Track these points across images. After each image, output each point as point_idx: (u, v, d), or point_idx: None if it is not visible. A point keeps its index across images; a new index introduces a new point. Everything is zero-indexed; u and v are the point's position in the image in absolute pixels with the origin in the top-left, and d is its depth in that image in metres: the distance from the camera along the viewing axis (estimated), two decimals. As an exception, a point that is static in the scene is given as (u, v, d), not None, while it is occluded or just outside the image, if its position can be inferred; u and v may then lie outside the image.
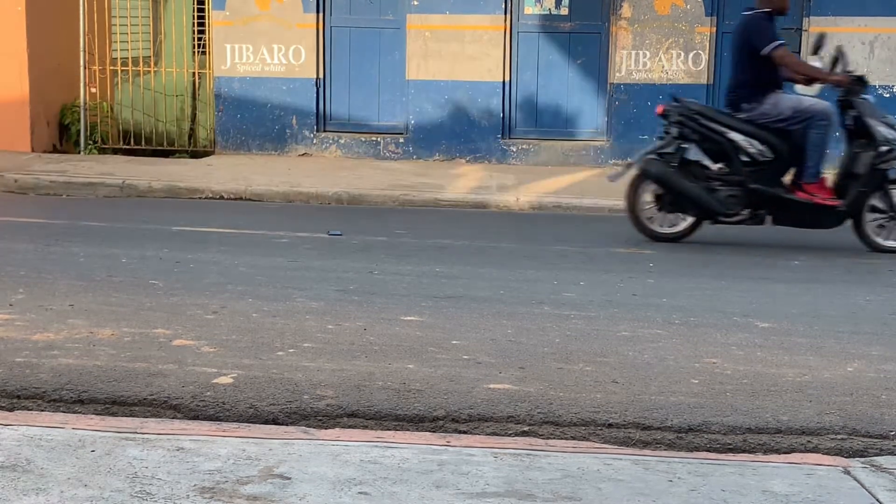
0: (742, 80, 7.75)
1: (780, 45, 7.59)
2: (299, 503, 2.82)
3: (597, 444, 3.53)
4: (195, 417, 3.70)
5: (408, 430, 3.63)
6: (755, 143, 7.67)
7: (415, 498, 2.89)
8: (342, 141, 11.97)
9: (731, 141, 7.65)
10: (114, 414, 3.71)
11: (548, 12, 11.62)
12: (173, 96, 12.23)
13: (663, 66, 11.36)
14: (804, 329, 5.21)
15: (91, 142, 11.95)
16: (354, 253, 7.15)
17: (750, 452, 3.53)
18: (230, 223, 8.35)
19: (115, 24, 12.17)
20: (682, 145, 7.65)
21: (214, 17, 11.94)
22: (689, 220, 7.91)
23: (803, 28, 11.17)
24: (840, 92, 7.70)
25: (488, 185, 10.34)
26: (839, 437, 3.68)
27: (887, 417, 3.86)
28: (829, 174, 7.83)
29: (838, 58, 7.78)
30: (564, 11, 11.62)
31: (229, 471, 3.04)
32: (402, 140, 11.90)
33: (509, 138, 11.83)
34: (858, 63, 11.13)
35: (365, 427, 3.64)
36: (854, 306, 5.87)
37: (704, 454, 3.46)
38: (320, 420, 3.71)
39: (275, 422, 3.68)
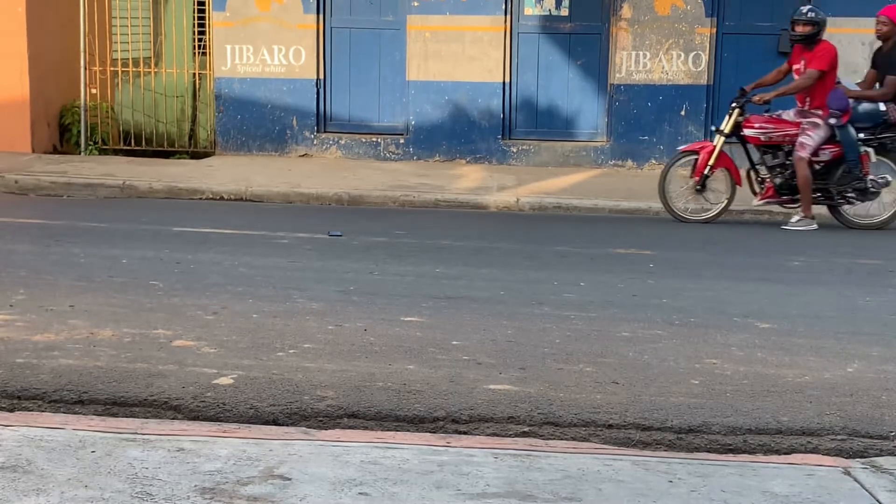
0: None
1: None
2: (300, 504, 2.83)
3: (597, 445, 3.53)
4: (195, 418, 3.70)
5: (408, 430, 3.63)
6: None
7: (415, 498, 2.89)
8: (342, 142, 11.97)
9: None
10: (114, 415, 3.71)
11: (548, 13, 11.62)
12: (174, 97, 12.23)
13: (663, 67, 11.36)
14: (804, 330, 5.22)
15: (91, 142, 11.95)
16: (355, 253, 7.15)
17: (750, 453, 3.53)
18: (230, 224, 8.36)
19: (116, 25, 12.18)
20: None
21: (215, 17, 11.95)
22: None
23: (803, 29, 11.15)
24: None
25: (488, 186, 10.34)
26: (839, 437, 3.68)
27: (887, 418, 3.86)
28: None
29: None
30: (564, 12, 11.62)
31: (230, 471, 3.04)
32: (402, 141, 11.90)
33: (509, 139, 11.83)
34: (858, 63, 11.12)
35: (365, 428, 3.65)
36: (854, 307, 5.87)
37: (705, 455, 3.46)
38: (321, 421, 3.71)
39: (275, 422, 3.68)
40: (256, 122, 12.01)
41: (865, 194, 8.82)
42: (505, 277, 6.41)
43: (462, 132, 11.78)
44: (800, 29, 8.82)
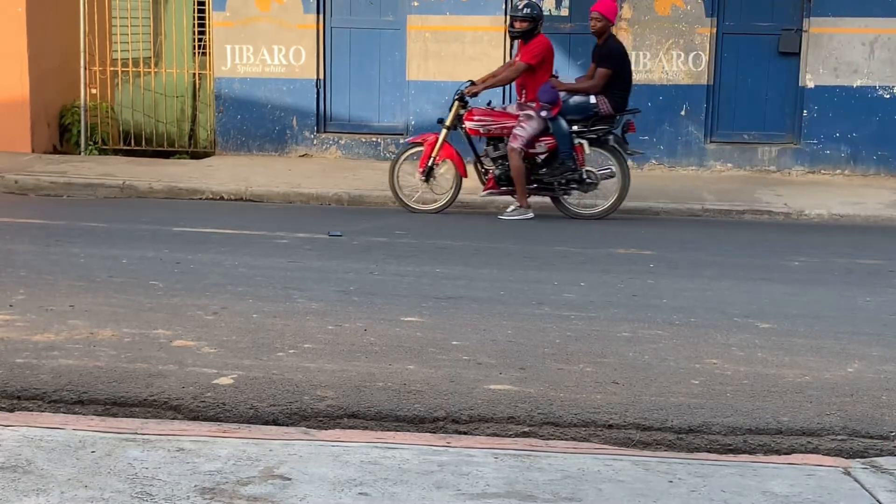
0: None
1: None
2: (300, 504, 2.83)
3: (597, 445, 3.53)
4: (195, 418, 3.70)
5: (408, 430, 3.63)
6: None
7: (415, 499, 2.89)
8: (342, 142, 11.97)
9: None
10: (114, 415, 3.72)
11: (548, 13, 11.60)
12: (174, 97, 12.23)
13: (663, 67, 11.36)
14: (804, 330, 5.22)
15: (91, 143, 11.95)
16: (355, 253, 7.15)
17: (750, 453, 3.53)
18: (230, 224, 8.36)
19: (116, 25, 12.17)
20: None
21: (215, 17, 11.94)
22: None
23: (804, 29, 11.17)
24: None
25: (488, 186, 10.32)
26: (839, 437, 3.68)
27: (887, 418, 3.86)
28: None
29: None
30: (564, 12, 11.61)
31: (230, 471, 3.04)
32: (402, 141, 11.88)
33: (509, 139, 11.81)
34: (858, 64, 11.13)
35: (365, 428, 3.65)
36: (854, 307, 5.87)
37: (705, 455, 3.46)
38: (321, 421, 3.71)
39: (275, 422, 3.68)
40: (256, 122, 12.01)
41: (583, 185, 8.97)
42: (505, 277, 6.41)
43: (462, 132, 11.76)
44: (518, 25, 9.05)
